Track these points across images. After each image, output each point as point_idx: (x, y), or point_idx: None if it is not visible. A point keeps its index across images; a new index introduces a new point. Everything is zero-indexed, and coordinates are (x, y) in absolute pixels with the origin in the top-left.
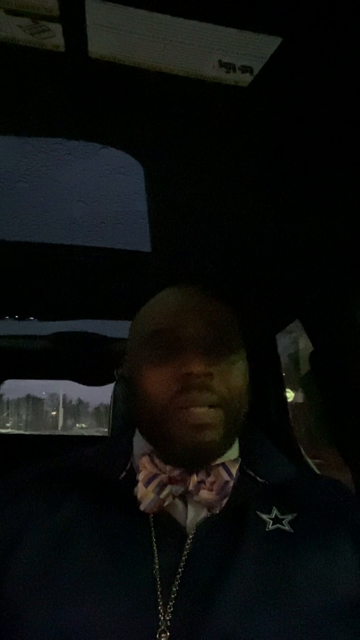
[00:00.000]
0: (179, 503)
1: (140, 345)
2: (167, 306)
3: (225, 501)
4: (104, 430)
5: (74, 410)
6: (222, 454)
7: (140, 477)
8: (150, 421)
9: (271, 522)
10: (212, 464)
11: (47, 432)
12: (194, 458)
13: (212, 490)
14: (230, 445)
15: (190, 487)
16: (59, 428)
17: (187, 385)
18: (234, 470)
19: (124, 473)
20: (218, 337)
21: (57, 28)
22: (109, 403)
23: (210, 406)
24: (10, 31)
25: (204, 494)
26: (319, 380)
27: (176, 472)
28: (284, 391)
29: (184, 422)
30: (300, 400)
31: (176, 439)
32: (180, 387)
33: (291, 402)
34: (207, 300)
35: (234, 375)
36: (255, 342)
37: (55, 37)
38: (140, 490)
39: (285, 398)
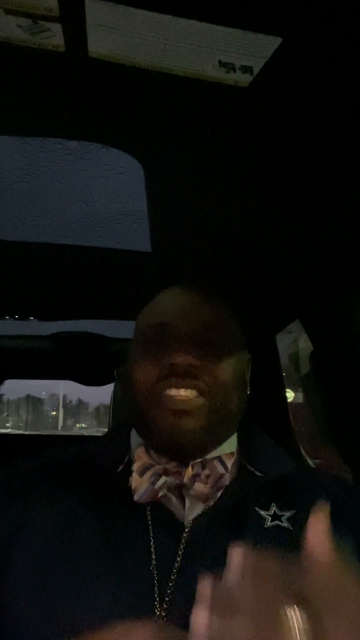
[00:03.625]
0: (175, 497)
1: (136, 341)
2: (162, 304)
3: (219, 493)
4: (103, 430)
5: (74, 410)
6: (206, 445)
7: (135, 467)
8: (137, 410)
9: (270, 518)
10: (208, 458)
11: (47, 432)
12: (174, 445)
13: (207, 483)
14: (218, 439)
15: (185, 480)
16: (59, 428)
17: (171, 372)
18: (229, 463)
19: (122, 466)
20: (207, 333)
21: (57, 28)
22: (109, 403)
23: (193, 390)
24: (10, 31)
25: (199, 486)
26: (319, 380)
27: (171, 464)
28: (284, 391)
29: (164, 407)
30: (300, 400)
31: (158, 426)
32: (164, 375)
33: (291, 402)
34: (201, 299)
35: (222, 369)
36: (255, 342)
37: (55, 37)
38: (135, 479)
39: (285, 398)
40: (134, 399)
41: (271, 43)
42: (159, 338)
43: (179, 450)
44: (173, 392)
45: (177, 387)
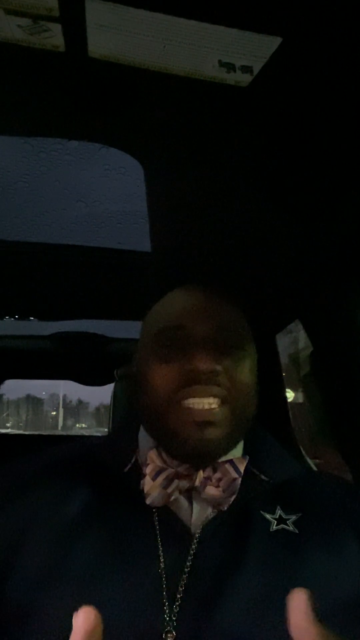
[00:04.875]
0: (184, 501)
1: (149, 343)
2: (176, 305)
3: (232, 498)
4: (104, 431)
5: (74, 410)
6: (227, 451)
7: (148, 470)
8: (155, 417)
9: (275, 522)
10: (219, 461)
11: (47, 432)
12: (197, 455)
13: (218, 487)
14: (236, 443)
15: (197, 483)
16: (59, 428)
17: (192, 379)
18: (242, 468)
19: (129, 466)
20: (225, 335)
21: (57, 28)
22: (109, 403)
23: (216, 398)
24: (10, 31)
25: (211, 490)
26: (319, 380)
27: (183, 467)
28: (284, 391)
29: (187, 419)
30: (300, 400)
31: (180, 436)
32: (185, 382)
33: (291, 402)
34: (216, 299)
35: (241, 372)
36: (255, 342)
37: (55, 37)
38: (147, 483)
39: (285, 398)
40: (152, 406)
41: (271, 43)
42: (175, 341)
43: (202, 459)
44: (196, 401)
45: (201, 396)
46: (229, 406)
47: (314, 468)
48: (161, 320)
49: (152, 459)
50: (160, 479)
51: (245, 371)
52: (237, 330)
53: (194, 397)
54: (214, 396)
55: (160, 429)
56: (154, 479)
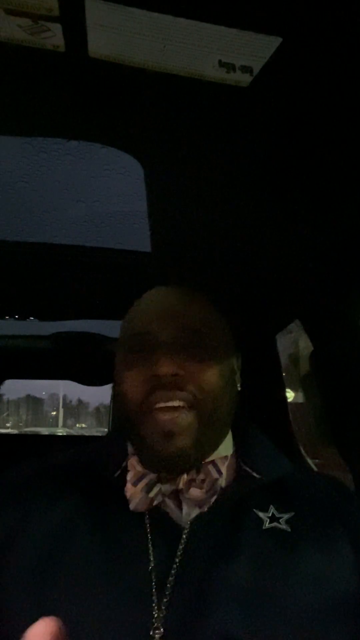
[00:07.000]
0: (171, 501)
1: (121, 348)
2: (144, 310)
3: (214, 499)
4: (103, 430)
5: (74, 410)
6: (200, 457)
7: (129, 476)
8: (127, 423)
9: (268, 520)
10: (203, 462)
11: (47, 432)
12: (168, 465)
13: (202, 488)
14: (211, 447)
15: (181, 486)
16: (59, 428)
17: (156, 385)
18: (223, 468)
19: (119, 471)
20: (191, 339)
21: (57, 28)
22: (109, 403)
23: (181, 406)
24: (10, 31)
25: (194, 492)
26: (319, 380)
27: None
28: (284, 391)
29: (154, 429)
30: (300, 400)
31: (149, 446)
32: (150, 388)
33: (291, 402)
34: (185, 303)
35: (207, 376)
36: (255, 342)
37: (55, 37)
38: (129, 489)
39: (285, 398)
40: (125, 413)
41: (271, 43)
42: (140, 348)
43: (170, 468)
44: (161, 406)
45: (165, 401)
46: (196, 412)
47: (314, 468)
48: (130, 326)
49: (132, 466)
50: (141, 484)
51: (214, 375)
52: (206, 333)
53: (159, 401)
54: (179, 399)
55: (133, 437)
56: (135, 484)
